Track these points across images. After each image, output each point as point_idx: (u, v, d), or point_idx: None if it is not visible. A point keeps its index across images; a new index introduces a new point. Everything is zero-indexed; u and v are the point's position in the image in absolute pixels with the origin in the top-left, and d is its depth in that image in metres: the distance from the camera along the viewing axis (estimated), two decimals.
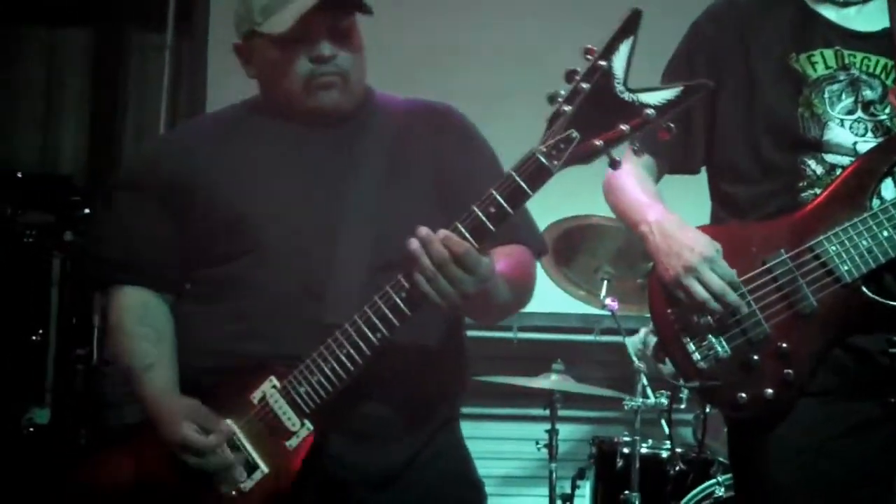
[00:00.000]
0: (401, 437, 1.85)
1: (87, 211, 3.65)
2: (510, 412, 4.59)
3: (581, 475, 4.27)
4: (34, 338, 4.46)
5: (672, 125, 1.59)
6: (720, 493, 3.48)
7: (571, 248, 3.89)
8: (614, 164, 1.61)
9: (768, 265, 1.96)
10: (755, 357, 1.93)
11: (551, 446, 4.01)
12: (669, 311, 1.99)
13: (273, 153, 1.90)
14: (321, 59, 1.83)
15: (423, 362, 1.85)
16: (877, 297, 1.93)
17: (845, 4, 2.08)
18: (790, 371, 1.92)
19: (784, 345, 1.93)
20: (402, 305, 1.67)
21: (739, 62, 2.08)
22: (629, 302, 4.00)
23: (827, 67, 2.04)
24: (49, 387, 4.81)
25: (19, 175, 3.65)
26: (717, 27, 2.13)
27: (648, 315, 4.13)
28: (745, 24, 2.10)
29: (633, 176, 2.10)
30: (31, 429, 4.14)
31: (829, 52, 2.05)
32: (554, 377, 4.03)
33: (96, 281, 2.05)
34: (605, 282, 3.88)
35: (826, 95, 2.03)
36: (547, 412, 4.07)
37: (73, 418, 3.87)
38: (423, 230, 1.63)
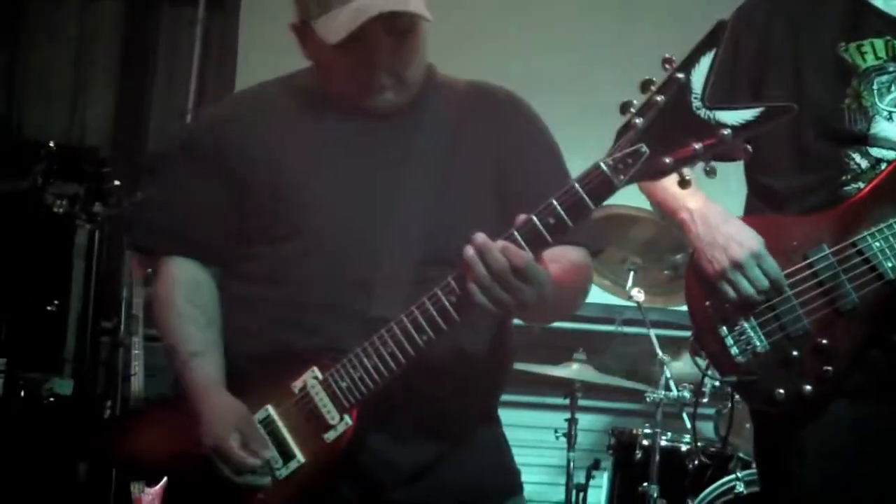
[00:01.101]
0: (439, 434, 1.81)
1: (116, 183, 3.63)
2: (529, 400, 4.59)
3: (596, 465, 4.26)
4: (48, 308, 4.49)
5: (749, 147, 1.50)
6: (741, 489, 3.46)
7: None
8: (684, 184, 1.52)
9: (810, 260, 1.93)
10: (794, 353, 1.90)
11: (570, 436, 4.00)
12: (708, 303, 1.96)
13: (329, 138, 1.85)
14: (375, 66, 1.76)
15: (467, 359, 1.81)
16: None
17: None
18: (829, 368, 1.89)
19: (824, 341, 1.90)
20: (450, 309, 1.62)
21: (787, 51, 2.04)
22: (655, 294, 3.98)
23: (877, 58, 2.00)
24: (69, 357, 4.85)
25: (52, 145, 3.63)
26: (763, 15, 2.09)
27: (672, 308, 4.18)
28: (794, 13, 2.06)
29: None
30: (52, 399, 4.16)
31: (879, 42, 2.01)
32: (575, 366, 4.01)
33: (146, 250, 2.01)
34: (632, 273, 3.86)
35: (875, 87, 1.99)
36: (566, 401, 4.07)
37: (95, 390, 3.88)
38: (480, 237, 1.56)
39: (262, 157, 1.84)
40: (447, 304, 1.62)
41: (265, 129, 1.87)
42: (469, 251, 1.56)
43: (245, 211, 1.86)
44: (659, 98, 1.47)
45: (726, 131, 1.45)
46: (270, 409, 1.79)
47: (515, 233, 1.56)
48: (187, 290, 1.90)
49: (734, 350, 1.94)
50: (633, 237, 3.81)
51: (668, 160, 1.48)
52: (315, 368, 1.75)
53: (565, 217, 1.53)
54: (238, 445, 1.75)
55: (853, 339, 1.90)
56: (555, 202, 1.54)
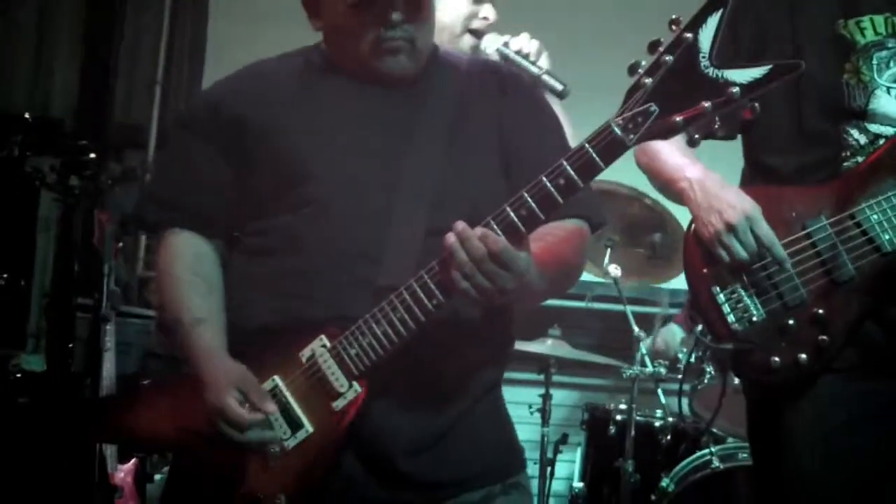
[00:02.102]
0: (446, 402, 1.80)
1: (92, 156, 3.55)
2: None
3: (564, 440, 4.28)
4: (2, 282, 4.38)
5: (757, 105, 1.52)
6: (717, 465, 3.49)
7: None
8: (693, 142, 1.55)
9: (808, 230, 1.95)
10: (790, 321, 1.92)
11: (545, 411, 4.01)
12: (706, 269, 1.97)
13: (338, 108, 1.85)
14: (391, 24, 1.78)
15: (472, 329, 1.80)
16: None
17: None
18: (825, 337, 1.91)
19: (820, 311, 1.92)
20: None
21: (786, 28, 2.05)
22: (630, 273, 4.00)
23: (876, 34, 2.02)
24: (32, 332, 4.76)
25: (27, 117, 3.54)
26: None
27: (651, 285, 4.20)
28: None
29: None
30: (19, 375, 4.07)
31: (878, 18, 2.02)
32: (550, 342, 4.02)
33: (148, 221, 1.98)
34: (609, 249, 3.87)
35: (874, 62, 2.00)
36: (539, 377, 4.08)
37: (70, 367, 3.80)
38: (460, 225, 1.57)
39: (268, 130, 1.84)
40: None
41: (271, 102, 1.86)
42: (450, 238, 1.58)
43: (251, 183, 1.85)
44: (667, 58, 1.49)
45: (735, 89, 1.47)
46: (277, 380, 1.76)
47: (525, 194, 1.56)
48: (189, 260, 1.89)
49: (731, 318, 1.95)
50: (613, 214, 3.82)
51: (678, 119, 1.49)
52: (323, 336, 1.73)
53: (575, 177, 1.54)
54: (237, 403, 1.73)
55: (849, 309, 1.92)
56: (565, 163, 1.55)
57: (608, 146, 1.52)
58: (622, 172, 2.36)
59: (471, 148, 1.84)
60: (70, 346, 4.01)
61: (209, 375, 1.77)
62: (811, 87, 2.01)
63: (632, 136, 1.51)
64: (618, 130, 1.51)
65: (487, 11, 2.56)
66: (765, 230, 1.92)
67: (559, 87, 2.34)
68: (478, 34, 2.53)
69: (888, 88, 2.00)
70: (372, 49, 1.80)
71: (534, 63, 2.41)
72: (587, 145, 1.53)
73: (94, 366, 3.51)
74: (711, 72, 1.48)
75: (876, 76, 2.00)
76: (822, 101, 2.02)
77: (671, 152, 2.08)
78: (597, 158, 1.53)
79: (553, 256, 1.78)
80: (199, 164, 1.90)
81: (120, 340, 3.84)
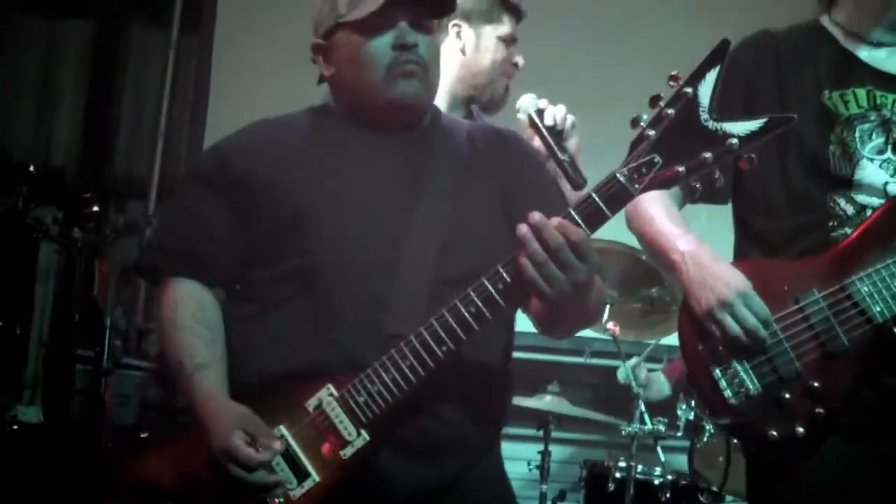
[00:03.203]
0: (450, 454, 1.81)
1: (95, 208, 3.58)
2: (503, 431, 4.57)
3: (562, 497, 4.27)
4: None
5: (754, 156, 1.58)
6: None
7: None
8: (691, 192, 1.61)
9: (801, 304, 1.96)
10: (786, 395, 1.93)
11: (543, 468, 4.00)
12: (700, 345, 1.98)
13: (342, 158, 1.89)
14: (405, 47, 1.84)
15: (480, 380, 1.83)
16: None
17: (878, 45, 2.10)
18: (821, 410, 1.92)
19: (815, 383, 1.92)
20: (470, 319, 1.65)
21: (774, 95, 2.09)
22: (627, 327, 4.02)
23: (859, 106, 2.06)
24: (29, 382, 4.75)
25: (31, 169, 3.58)
26: (753, 59, 2.13)
27: (647, 341, 4.22)
28: (782, 59, 2.11)
29: (659, 203, 2.10)
30: (15, 426, 4.06)
31: (861, 92, 2.07)
32: (549, 398, 4.02)
33: (152, 270, 2.00)
34: (608, 305, 3.88)
35: (857, 134, 2.04)
36: (538, 433, 4.07)
37: (70, 419, 3.79)
38: (537, 215, 1.59)
39: (275, 183, 1.87)
40: (466, 314, 1.65)
41: (278, 157, 1.90)
42: (523, 228, 1.60)
43: (258, 235, 1.88)
44: (669, 111, 1.56)
45: (734, 140, 1.55)
46: (283, 430, 1.77)
47: (573, 211, 1.60)
48: (192, 309, 1.91)
49: (727, 392, 1.95)
50: (610, 270, 3.84)
51: (680, 169, 1.57)
52: (330, 385, 1.75)
53: (583, 226, 1.60)
54: (244, 443, 1.73)
55: (845, 381, 1.93)
56: (573, 212, 1.60)
57: (614, 195, 1.59)
58: (616, 232, 2.39)
59: (475, 201, 1.89)
60: (70, 397, 4.00)
61: (213, 418, 1.78)
62: (799, 153, 2.05)
63: (637, 185, 1.58)
64: (623, 180, 1.58)
65: (518, 57, 2.64)
66: (758, 306, 1.93)
67: (579, 181, 2.31)
68: (509, 78, 2.60)
69: (872, 160, 2.03)
70: (386, 73, 1.85)
71: (562, 144, 2.33)
72: (594, 195, 1.59)
73: (94, 417, 3.51)
74: (711, 124, 1.56)
75: (859, 147, 2.04)
76: (810, 168, 2.05)
77: (663, 221, 2.10)
78: (603, 207, 1.59)
79: (598, 282, 1.84)
80: (205, 215, 1.93)
81: (119, 392, 3.85)
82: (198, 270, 1.93)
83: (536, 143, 2.41)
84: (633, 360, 3.96)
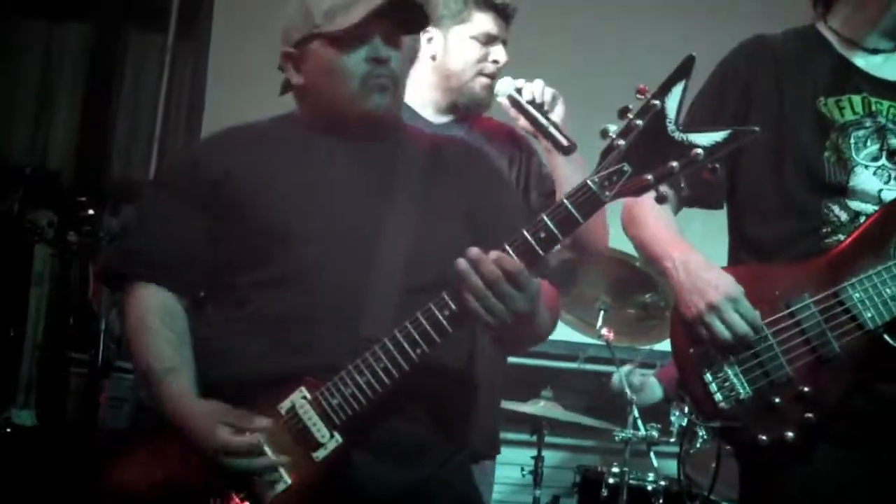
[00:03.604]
0: (422, 455, 1.84)
1: (90, 212, 3.59)
2: None
3: (556, 502, 4.27)
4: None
5: (717, 166, 1.63)
6: None
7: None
8: (661, 199, 1.66)
9: (792, 309, 1.97)
10: (777, 399, 1.93)
11: (537, 473, 4.01)
12: (691, 349, 1.99)
13: (312, 167, 1.91)
14: (379, 61, 1.87)
15: (450, 384, 1.87)
16: None
17: (874, 52, 2.11)
18: (811, 415, 1.92)
19: (806, 388, 1.93)
20: (444, 322, 1.69)
21: (771, 102, 2.10)
22: (622, 333, 4.03)
23: (854, 113, 2.07)
24: (23, 385, 4.74)
25: (27, 172, 3.59)
26: (749, 65, 2.14)
27: (640, 347, 4.23)
28: (778, 66, 2.12)
29: (653, 209, 2.10)
30: (9, 429, 4.05)
31: (856, 98, 2.08)
32: (543, 403, 4.03)
33: (120, 274, 2.00)
34: (602, 311, 3.90)
35: (852, 140, 2.05)
36: (532, 438, 4.08)
37: (65, 422, 3.79)
38: (474, 250, 1.65)
39: (245, 188, 1.89)
40: (440, 317, 1.69)
41: (249, 162, 1.92)
42: (461, 263, 1.65)
43: (229, 239, 1.89)
44: (638, 122, 1.62)
45: (699, 151, 1.60)
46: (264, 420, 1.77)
47: (508, 246, 1.65)
48: (161, 314, 1.92)
49: (718, 396, 1.96)
50: (604, 277, 3.86)
51: (648, 177, 1.62)
52: (303, 388, 1.76)
53: (555, 230, 1.64)
54: (231, 434, 1.75)
55: (835, 386, 1.93)
56: (545, 217, 1.64)
57: (585, 202, 1.64)
58: (611, 238, 2.41)
59: (440, 209, 1.92)
60: (64, 400, 4.00)
61: (189, 419, 1.79)
62: (794, 159, 2.06)
63: (607, 192, 1.63)
64: (594, 187, 1.63)
65: (498, 54, 2.57)
66: (747, 310, 1.94)
67: (565, 142, 2.31)
68: (490, 76, 2.54)
69: (866, 167, 2.04)
70: (359, 86, 1.87)
71: (545, 115, 2.38)
72: (566, 201, 1.64)
73: (89, 421, 3.51)
74: (678, 135, 1.61)
75: (854, 154, 2.05)
76: (804, 175, 2.06)
77: (658, 227, 2.11)
78: (574, 213, 1.63)
79: (549, 298, 1.88)
80: (173, 220, 1.94)
81: (113, 395, 3.84)
82: (164, 276, 1.94)
83: (522, 122, 2.43)
84: (627, 368, 3.97)
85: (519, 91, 2.40)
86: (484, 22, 2.56)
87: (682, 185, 1.68)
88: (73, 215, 3.59)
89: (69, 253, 3.68)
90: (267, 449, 1.76)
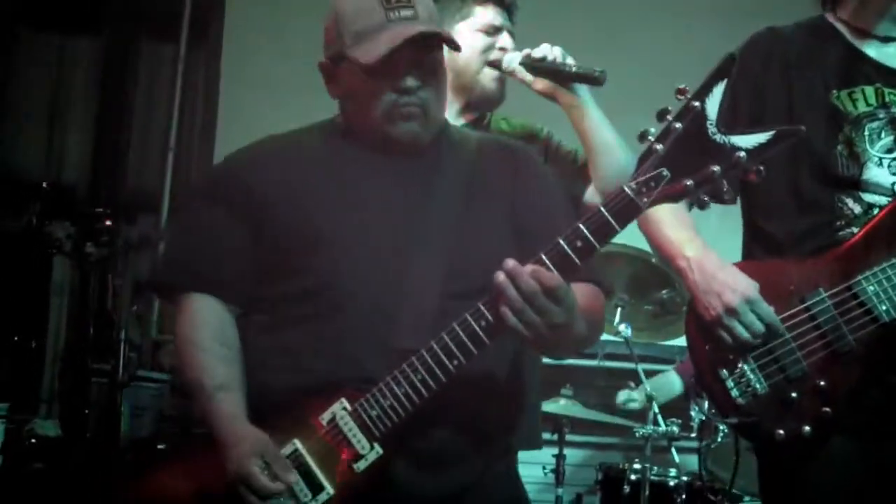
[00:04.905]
0: (463, 462, 1.83)
1: (108, 223, 3.62)
2: None
3: (578, 500, 4.28)
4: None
5: (762, 168, 1.59)
6: None
7: None
8: (702, 205, 1.61)
9: (807, 303, 1.96)
10: (793, 394, 1.93)
11: (558, 472, 4.01)
12: (708, 347, 1.99)
13: (352, 176, 1.90)
14: (405, 91, 1.84)
15: (490, 391, 1.85)
16: None
17: (886, 40, 2.10)
18: (828, 409, 1.92)
19: (822, 382, 1.93)
20: (481, 333, 1.67)
21: (782, 96, 2.09)
22: (639, 329, 4.02)
23: (868, 105, 2.05)
24: (45, 397, 4.79)
25: (45, 185, 3.62)
26: (760, 59, 2.13)
27: (658, 343, 4.23)
28: (788, 59, 2.11)
29: (668, 206, 2.10)
30: (33, 440, 4.09)
31: (869, 90, 2.06)
32: (563, 402, 4.03)
33: (168, 287, 2.01)
34: (619, 308, 3.90)
35: (866, 133, 2.04)
36: (553, 437, 4.08)
37: (87, 433, 3.82)
38: (511, 262, 1.62)
39: (282, 199, 1.88)
40: (477, 328, 1.67)
41: (286, 172, 1.91)
42: (500, 276, 1.62)
43: (267, 251, 1.89)
44: (677, 125, 1.57)
45: (742, 153, 1.56)
46: (297, 444, 1.79)
47: (544, 256, 1.62)
48: (212, 328, 1.91)
49: (735, 392, 1.96)
50: (621, 274, 3.85)
51: (688, 182, 1.57)
52: (343, 399, 1.76)
53: (591, 239, 1.61)
54: (260, 471, 1.75)
55: (851, 380, 1.93)
56: (581, 226, 1.61)
57: (623, 209, 1.59)
58: (627, 236, 2.39)
59: (483, 217, 1.90)
60: (86, 411, 4.03)
61: (232, 442, 1.79)
62: (807, 154, 2.05)
63: (645, 199, 1.58)
64: (631, 194, 1.58)
65: (504, 41, 2.56)
66: (765, 310, 1.94)
67: (595, 73, 2.30)
68: (497, 65, 2.52)
69: (880, 159, 2.03)
70: (386, 114, 1.85)
71: (565, 63, 2.38)
72: (602, 208, 1.60)
73: (111, 430, 3.54)
74: (719, 138, 1.57)
75: (868, 147, 2.03)
76: (817, 169, 2.05)
77: (672, 225, 2.11)
78: (612, 220, 1.59)
79: (593, 305, 1.86)
80: (217, 230, 1.93)
81: (134, 405, 3.87)
82: (215, 287, 1.93)
83: (539, 85, 2.43)
84: (625, 394, 3.98)
85: (529, 58, 2.41)
86: (486, 14, 2.57)
87: (726, 188, 1.60)
88: (91, 227, 3.62)
89: (88, 264, 3.71)
90: (308, 459, 1.77)
